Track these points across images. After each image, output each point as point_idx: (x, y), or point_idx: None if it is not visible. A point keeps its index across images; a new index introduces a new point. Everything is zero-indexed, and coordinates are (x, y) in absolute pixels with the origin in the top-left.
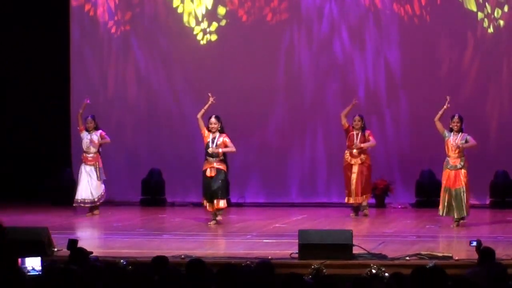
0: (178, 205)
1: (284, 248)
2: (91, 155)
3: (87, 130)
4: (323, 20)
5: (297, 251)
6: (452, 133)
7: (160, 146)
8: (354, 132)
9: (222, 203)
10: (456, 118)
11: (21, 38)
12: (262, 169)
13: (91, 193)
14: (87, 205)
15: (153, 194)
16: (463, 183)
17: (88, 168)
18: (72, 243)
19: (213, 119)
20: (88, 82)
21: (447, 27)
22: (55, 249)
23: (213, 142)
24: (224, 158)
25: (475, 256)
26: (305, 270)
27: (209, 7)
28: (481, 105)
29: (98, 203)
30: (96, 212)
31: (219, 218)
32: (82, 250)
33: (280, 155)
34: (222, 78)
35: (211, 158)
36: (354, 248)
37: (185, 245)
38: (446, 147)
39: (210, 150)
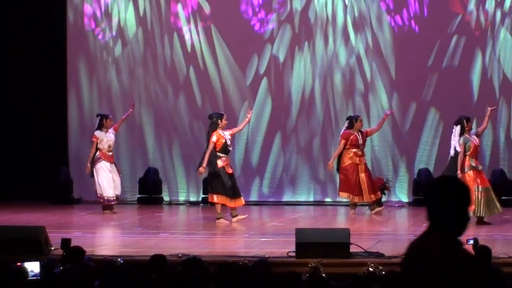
0: (175, 203)
1: (281, 247)
2: (111, 152)
3: (100, 128)
4: (314, 26)
5: (294, 250)
6: (467, 135)
7: (157, 144)
8: (355, 133)
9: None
10: (470, 119)
11: (20, 39)
12: (259, 168)
13: (116, 189)
14: (113, 203)
15: (150, 192)
16: (489, 183)
17: (108, 165)
18: (65, 243)
19: (225, 116)
20: (84, 81)
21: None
22: (52, 248)
23: (228, 140)
24: None
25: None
26: (302, 268)
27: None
28: (474, 106)
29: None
30: (115, 210)
31: (240, 217)
32: (78, 249)
33: (276, 154)
34: (215, 78)
35: (226, 155)
36: (351, 246)
37: (182, 244)
38: (467, 149)
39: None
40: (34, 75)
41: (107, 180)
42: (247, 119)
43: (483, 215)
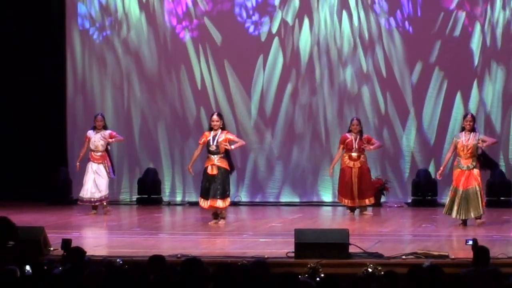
0: (174, 204)
1: (280, 247)
2: (99, 153)
3: (94, 129)
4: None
5: (293, 250)
6: (463, 133)
7: (156, 145)
8: (352, 137)
9: (221, 203)
10: (469, 117)
11: (20, 39)
12: (258, 168)
13: (99, 191)
14: (96, 203)
15: (149, 193)
16: (477, 183)
17: (95, 166)
18: (66, 243)
19: (215, 117)
20: (83, 82)
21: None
22: (51, 249)
23: (213, 140)
24: (227, 155)
25: (471, 255)
26: (301, 269)
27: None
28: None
29: (105, 202)
30: (107, 209)
31: (221, 222)
32: (78, 249)
33: (276, 154)
34: (213, 77)
35: (212, 156)
36: (350, 247)
37: (181, 244)
38: (456, 148)
39: (227, 147)
40: (34, 75)
41: (86, 181)
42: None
43: (444, 212)
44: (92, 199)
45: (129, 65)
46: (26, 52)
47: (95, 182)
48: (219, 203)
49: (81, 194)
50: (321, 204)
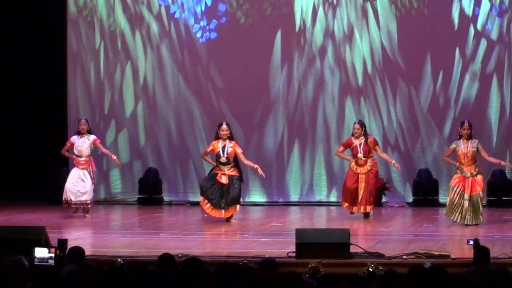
0: (175, 204)
1: (281, 247)
2: (83, 158)
3: (78, 134)
4: (318, 17)
5: (294, 250)
6: (461, 141)
7: (157, 145)
8: (357, 143)
9: (238, 208)
10: (466, 124)
11: (19, 38)
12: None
13: (82, 195)
14: (81, 206)
15: (150, 193)
16: (480, 188)
17: (81, 171)
18: (62, 243)
19: (224, 126)
20: (84, 82)
21: (443, 19)
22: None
23: (223, 151)
24: (236, 162)
25: (472, 255)
26: (302, 269)
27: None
28: (481, 103)
29: (89, 206)
30: (87, 215)
31: (234, 220)
32: (78, 249)
33: (278, 154)
34: (220, 77)
35: (222, 166)
36: (351, 247)
37: (182, 244)
38: (457, 156)
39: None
40: (34, 75)
41: (68, 184)
42: (254, 166)
43: (444, 213)
44: (76, 202)
45: (129, 63)
46: (26, 52)
47: (76, 187)
48: (236, 208)
49: (65, 197)
50: (322, 204)
